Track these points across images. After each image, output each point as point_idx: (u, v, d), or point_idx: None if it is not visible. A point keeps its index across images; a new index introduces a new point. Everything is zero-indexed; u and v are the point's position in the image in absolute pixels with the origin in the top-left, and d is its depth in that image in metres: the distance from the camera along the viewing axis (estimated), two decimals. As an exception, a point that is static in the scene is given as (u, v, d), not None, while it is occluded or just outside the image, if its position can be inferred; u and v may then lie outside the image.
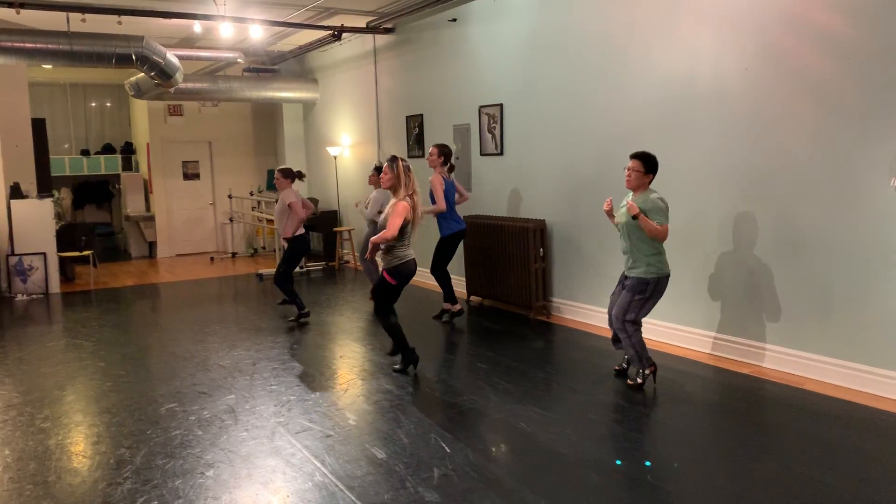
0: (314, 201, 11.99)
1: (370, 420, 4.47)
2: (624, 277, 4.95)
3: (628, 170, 4.81)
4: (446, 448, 3.99)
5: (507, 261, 7.34)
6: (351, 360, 5.88)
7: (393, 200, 5.27)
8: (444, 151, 6.96)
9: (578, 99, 6.69)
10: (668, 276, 4.84)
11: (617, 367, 5.26)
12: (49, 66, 11.93)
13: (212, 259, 12.51)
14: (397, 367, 5.45)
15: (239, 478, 3.71)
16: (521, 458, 3.85)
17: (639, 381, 4.86)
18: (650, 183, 4.82)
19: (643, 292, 4.79)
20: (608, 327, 5.18)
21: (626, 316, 4.82)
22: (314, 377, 5.43)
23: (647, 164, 4.78)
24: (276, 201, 7.43)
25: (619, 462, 3.74)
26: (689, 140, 5.69)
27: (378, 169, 8.70)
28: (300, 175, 7.59)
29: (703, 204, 5.63)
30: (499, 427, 4.30)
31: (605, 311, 6.58)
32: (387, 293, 5.37)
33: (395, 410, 4.62)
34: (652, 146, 5.93)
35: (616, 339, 5.14)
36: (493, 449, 3.98)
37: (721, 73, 5.39)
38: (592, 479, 3.57)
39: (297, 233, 7.20)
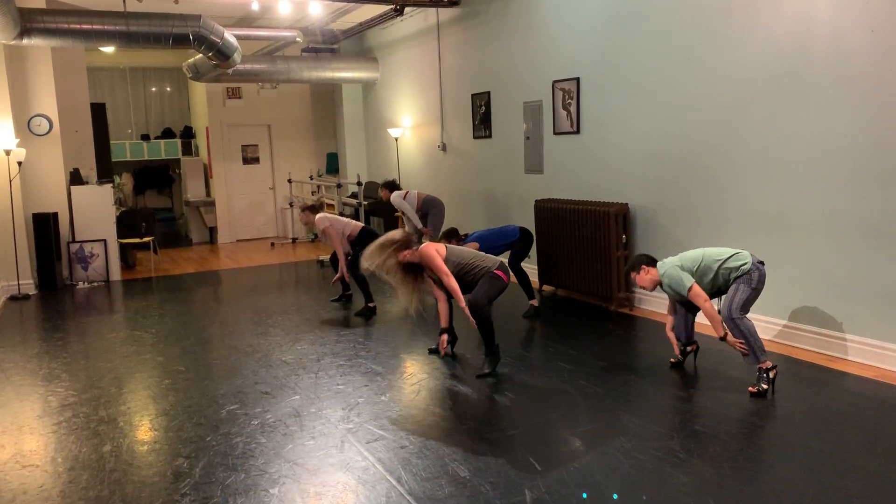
0: (374, 185, 11.61)
1: (448, 429, 4.03)
2: None
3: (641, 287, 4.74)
4: (536, 465, 3.53)
5: (584, 248, 6.80)
6: (421, 357, 5.46)
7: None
8: None
9: (667, 71, 6.08)
10: (762, 262, 4.50)
11: (672, 360, 4.96)
12: (109, 51, 11.80)
13: (272, 245, 12.28)
14: (485, 370, 4.97)
15: (307, 496, 3.32)
16: (624, 479, 3.36)
17: (763, 386, 4.30)
18: (657, 273, 4.58)
19: (749, 281, 4.39)
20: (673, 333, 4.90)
21: (732, 310, 4.36)
22: (383, 375, 5.03)
23: (639, 268, 4.66)
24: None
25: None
26: (801, 116, 5.05)
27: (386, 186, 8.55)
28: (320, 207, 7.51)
29: (817, 187, 4.99)
30: (593, 440, 3.81)
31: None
32: (494, 290, 4.97)
33: (474, 418, 4.18)
34: (756, 122, 5.33)
35: (680, 331, 4.86)
36: (591, 468, 3.49)
37: (841, 35, 4.73)
38: (712, 509, 3.07)
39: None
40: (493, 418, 4.16)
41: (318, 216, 7.22)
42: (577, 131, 7.20)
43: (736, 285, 4.40)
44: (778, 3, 5.11)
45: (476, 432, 3.96)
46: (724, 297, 4.48)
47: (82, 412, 4.55)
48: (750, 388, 4.33)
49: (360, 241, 6.90)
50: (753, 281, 4.36)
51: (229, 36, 8.63)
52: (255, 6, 9.00)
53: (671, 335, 4.85)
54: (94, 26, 7.74)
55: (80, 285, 9.06)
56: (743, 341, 4.31)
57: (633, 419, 4.06)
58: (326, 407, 4.45)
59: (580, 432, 3.91)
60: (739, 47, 5.43)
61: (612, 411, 4.19)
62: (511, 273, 5.18)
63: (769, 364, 4.34)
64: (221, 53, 8.56)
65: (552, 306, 6.93)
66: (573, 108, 7.21)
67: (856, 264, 4.80)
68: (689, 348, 4.91)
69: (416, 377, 4.99)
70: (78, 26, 7.66)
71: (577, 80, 7.11)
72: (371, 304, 6.88)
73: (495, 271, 4.95)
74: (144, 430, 4.23)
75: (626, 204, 6.57)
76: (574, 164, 7.32)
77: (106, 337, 6.47)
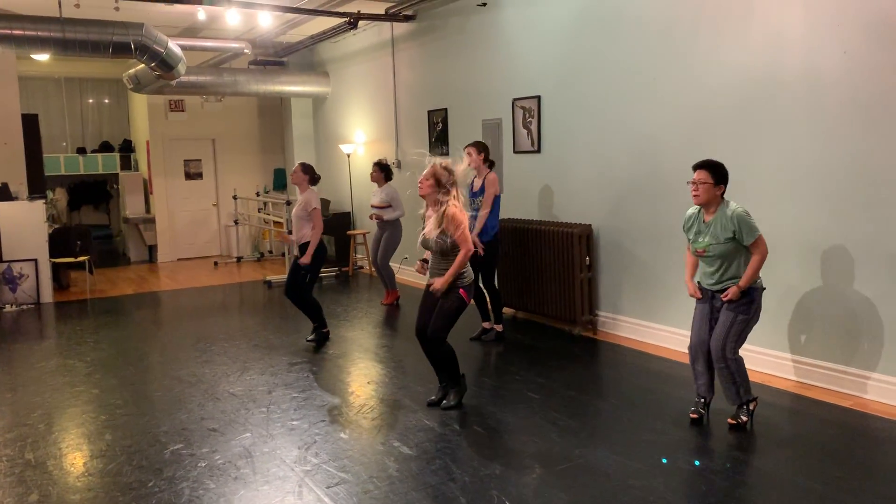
0: (325, 203, 11.25)
1: (415, 469, 3.73)
2: (710, 297, 4.17)
3: (694, 183, 4.03)
4: (514, 510, 3.26)
5: (546, 269, 6.60)
6: (379, 387, 5.15)
7: (443, 208, 4.44)
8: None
9: (632, 89, 5.94)
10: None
11: (694, 415, 4.24)
12: (43, 59, 11.20)
13: (216, 264, 11.78)
14: (451, 402, 4.64)
15: (263, 553, 2.98)
16: (610, 526, 3.12)
17: (742, 418, 4.11)
18: (722, 196, 4.04)
19: (748, 309, 3.99)
20: (692, 363, 4.28)
21: (727, 344, 4.01)
22: (340, 409, 4.70)
23: (717, 173, 3.99)
24: (288, 203, 6.60)
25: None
26: (772, 137, 4.95)
27: (379, 165, 7.97)
28: (317, 178, 6.80)
29: (789, 210, 4.89)
30: (571, 478, 3.56)
31: (661, 327, 5.89)
32: (457, 315, 4.54)
33: (442, 456, 3.89)
34: (725, 144, 5.21)
35: (710, 382, 4.23)
36: (572, 511, 3.25)
37: (813, 56, 4.65)
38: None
39: None
40: (463, 456, 3.88)
41: (310, 192, 6.39)
42: (538, 150, 7.02)
43: (732, 315, 3.99)
44: (748, 23, 5.03)
45: (446, 472, 3.67)
46: (716, 323, 4.10)
47: (6, 455, 4.10)
48: (729, 420, 4.14)
49: (316, 253, 6.40)
50: (752, 311, 4.01)
51: (174, 46, 8.22)
52: (201, 15, 8.61)
53: (691, 284, 4.26)
54: (27, 32, 7.24)
55: (8, 308, 8.45)
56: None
57: (611, 455, 3.83)
58: (280, 446, 4.11)
59: (558, 471, 3.66)
60: (708, 67, 5.33)
61: (589, 446, 3.96)
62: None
63: (746, 398, 4.16)
64: (165, 64, 8.14)
65: (514, 330, 6.69)
66: (534, 127, 7.03)
67: (824, 288, 4.70)
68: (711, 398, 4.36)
69: (378, 410, 4.67)
70: (9, 31, 7.16)
71: (538, 98, 6.94)
72: (324, 330, 6.52)
73: (462, 291, 4.49)
74: (77, 476, 3.81)
75: (590, 225, 6.40)
76: (535, 183, 7.13)
77: (35, 366, 5.96)
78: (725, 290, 4.02)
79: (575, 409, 4.55)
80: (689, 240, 4.20)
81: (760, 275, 4.06)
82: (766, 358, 5.10)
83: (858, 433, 4.07)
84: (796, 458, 3.77)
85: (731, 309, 4.01)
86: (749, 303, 4.00)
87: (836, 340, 4.70)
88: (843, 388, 4.66)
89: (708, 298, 4.18)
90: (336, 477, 3.67)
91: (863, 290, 4.53)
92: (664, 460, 3.70)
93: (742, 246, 3.97)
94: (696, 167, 4.06)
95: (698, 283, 4.24)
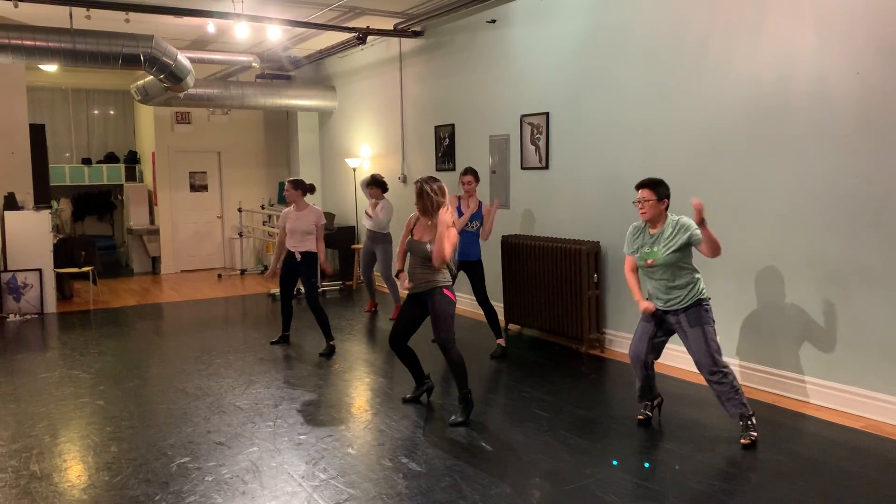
0: (330, 217, 11.25)
1: (424, 487, 3.69)
2: (659, 317, 4.32)
3: (640, 201, 4.24)
4: (526, 529, 3.22)
5: (554, 286, 6.58)
6: (385, 402, 5.11)
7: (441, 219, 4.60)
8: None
9: (642, 108, 5.95)
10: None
11: (641, 416, 4.57)
12: (51, 70, 11.25)
13: (219, 276, 11.75)
14: (458, 419, 4.63)
15: (272, 570, 2.94)
16: (623, 547, 3.08)
17: (753, 434, 4.12)
18: (667, 209, 4.24)
19: (708, 318, 4.19)
20: (638, 381, 4.52)
21: (713, 356, 4.13)
22: (346, 424, 4.67)
23: (659, 190, 4.22)
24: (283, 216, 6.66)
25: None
26: (782, 157, 4.94)
27: (375, 182, 7.94)
28: (312, 188, 6.87)
29: (798, 230, 4.88)
30: (582, 498, 3.52)
31: (669, 346, 5.85)
32: (452, 314, 4.70)
33: (451, 474, 3.85)
34: (734, 162, 5.22)
35: (646, 390, 4.52)
36: (585, 532, 3.21)
37: (824, 77, 4.65)
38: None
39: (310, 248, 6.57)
40: (472, 474, 3.84)
41: (312, 207, 6.60)
42: (546, 167, 7.02)
43: (700, 329, 4.14)
44: (758, 42, 5.04)
45: (456, 490, 3.63)
46: (688, 346, 4.22)
47: (11, 466, 4.06)
48: (742, 441, 4.11)
49: (315, 261, 6.54)
50: (710, 317, 4.21)
51: (183, 58, 8.25)
52: (210, 29, 8.64)
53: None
54: (38, 42, 7.26)
55: (11, 318, 8.42)
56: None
57: (624, 475, 3.79)
58: (288, 461, 4.07)
59: (568, 490, 3.62)
60: (717, 85, 5.34)
61: (599, 466, 3.92)
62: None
63: (750, 410, 4.17)
64: (174, 76, 8.17)
65: (520, 347, 6.66)
66: (542, 144, 7.03)
67: (834, 309, 4.68)
68: (655, 402, 4.64)
69: (385, 426, 4.63)
70: (20, 42, 7.18)
71: (547, 114, 6.95)
72: (331, 343, 6.51)
73: (445, 290, 4.68)
74: (84, 488, 3.77)
75: (598, 242, 6.38)
76: (543, 200, 7.12)
77: (39, 377, 5.93)
78: (676, 308, 4.20)
79: (584, 427, 4.52)
80: (631, 252, 4.38)
81: (704, 284, 4.28)
82: (769, 377, 5.06)
83: (873, 455, 4.03)
84: (810, 478, 3.72)
85: (694, 326, 4.17)
86: (706, 311, 4.19)
87: (856, 360, 4.67)
88: (852, 409, 4.62)
89: (653, 318, 4.33)
90: (345, 493, 3.63)
91: (877, 311, 4.50)
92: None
93: (685, 258, 4.17)
94: (639, 186, 4.27)
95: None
